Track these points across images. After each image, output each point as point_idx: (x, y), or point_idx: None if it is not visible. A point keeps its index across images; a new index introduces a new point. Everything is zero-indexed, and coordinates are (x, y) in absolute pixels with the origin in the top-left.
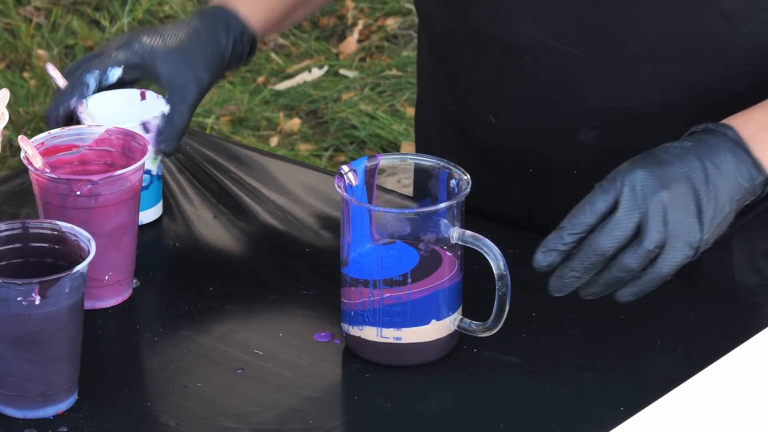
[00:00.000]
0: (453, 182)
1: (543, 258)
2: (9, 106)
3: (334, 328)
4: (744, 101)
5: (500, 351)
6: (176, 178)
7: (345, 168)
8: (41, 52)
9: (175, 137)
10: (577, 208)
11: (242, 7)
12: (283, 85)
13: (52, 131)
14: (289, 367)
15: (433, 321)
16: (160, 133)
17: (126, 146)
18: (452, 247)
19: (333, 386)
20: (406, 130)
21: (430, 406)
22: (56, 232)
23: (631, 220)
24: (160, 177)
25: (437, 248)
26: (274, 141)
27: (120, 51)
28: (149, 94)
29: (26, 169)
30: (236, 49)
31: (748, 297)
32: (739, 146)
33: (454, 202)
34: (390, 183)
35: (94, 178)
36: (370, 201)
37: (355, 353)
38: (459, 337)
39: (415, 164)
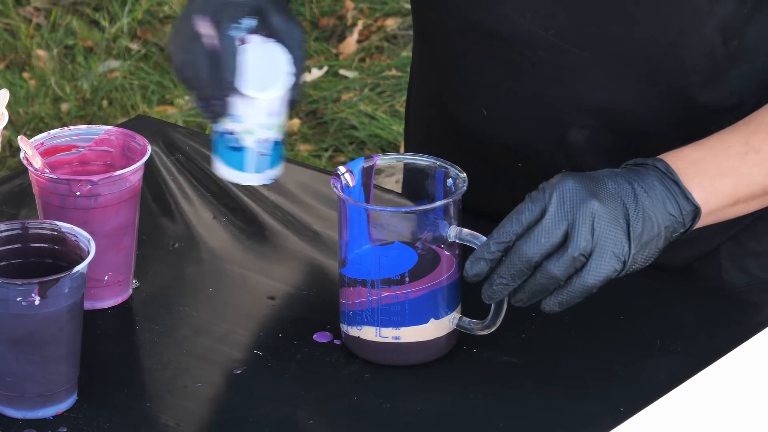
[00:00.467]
0: (449, 181)
1: (471, 267)
2: (8, 107)
3: (333, 328)
4: (736, 118)
5: (500, 351)
6: (176, 178)
7: (342, 169)
8: (41, 52)
9: (301, 86)
10: (506, 218)
11: None
12: None
13: (52, 132)
14: (288, 367)
15: (432, 320)
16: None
17: (126, 147)
18: (450, 246)
19: (332, 386)
20: None
21: (429, 407)
22: (56, 233)
23: (557, 227)
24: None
25: (435, 247)
26: None
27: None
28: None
29: (26, 170)
30: None
31: (737, 296)
32: (669, 176)
33: (451, 200)
34: (389, 183)
35: (94, 178)
36: (367, 201)
37: (354, 353)
38: (459, 337)
39: (408, 164)
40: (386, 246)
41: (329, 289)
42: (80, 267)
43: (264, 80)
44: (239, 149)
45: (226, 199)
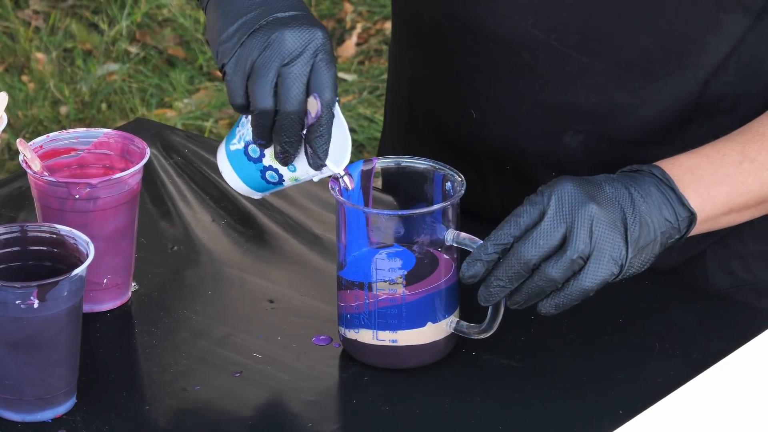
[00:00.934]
0: (448, 185)
1: (467, 268)
2: (7, 110)
3: (332, 331)
4: (728, 122)
5: (499, 354)
6: (174, 181)
7: (341, 172)
8: (40, 55)
9: None
10: (504, 220)
11: None
12: None
13: (51, 135)
14: (287, 370)
15: (429, 323)
16: None
17: (124, 150)
18: (448, 249)
19: (331, 390)
20: None
21: (428, 410)
22: (55, 236)
23: (556, 230)
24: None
25: (433, 250)
26: None
27: None
28: None
29: (25, 173)
30: None
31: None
32: (665, 183)
33: (449, 203)
34: None
35: (93, 181)
36: (366, 204)
37: (352, 356)
38: (457, 340)
39: (407, 167)
40: (384, 249)
41: (328, 292)
42: (79, 270)
43: (337, 153)
44: (272, 184)
45: (225, 202)
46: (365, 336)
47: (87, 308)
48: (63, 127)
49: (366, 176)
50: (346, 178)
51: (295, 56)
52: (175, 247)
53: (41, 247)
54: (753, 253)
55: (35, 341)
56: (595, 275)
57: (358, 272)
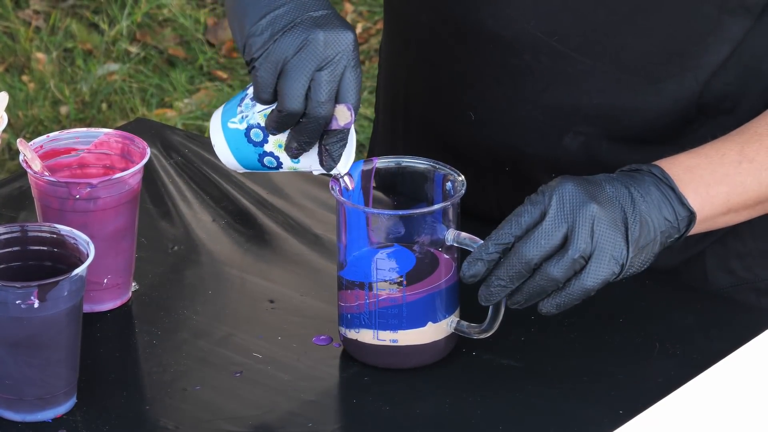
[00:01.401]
0: (448, 185)
1: (468, 268)
2: (8, 110)
3: (332, 331)
4: (727, 122)
5: (499, 354)
6: (175, 181)
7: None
8: (40, 55)
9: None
10: (505, 220)
11: None
12: None
13: (51, 134)
14: (287, 370)
15: (430, 323)
16: None
17: (125, 149)
18: (448, 249)
19: (332, 389)
20: None
21: (429, 410)
22: (55, 236)
23: (557, 230)
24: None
25: (433, 250)
26: None
27: None
28: None
29: (25, 173)
30: None
31: (735, 298)
32: (664, 182)
33: (450, 203)
34: None
35: (93, 181)
36: (366, 204)
37: (353, 356)
38: (457, 340)
39: (407, 167)
40: (385, 249)
41: (329, 292)
42: (79, 270)
43: (344, 153)
44: (268, 167)
45: (225, 202)
46: (366, 336)
47: (87, 308)
48: (63, 127)
49: (366, 176)
50: (346, 178)
51: (329, 60)
52: (176, 247)
53: (41, 247)
54: (752, 251)
55: (35, 341)
56: (597, 275)
57: (358, 272)
